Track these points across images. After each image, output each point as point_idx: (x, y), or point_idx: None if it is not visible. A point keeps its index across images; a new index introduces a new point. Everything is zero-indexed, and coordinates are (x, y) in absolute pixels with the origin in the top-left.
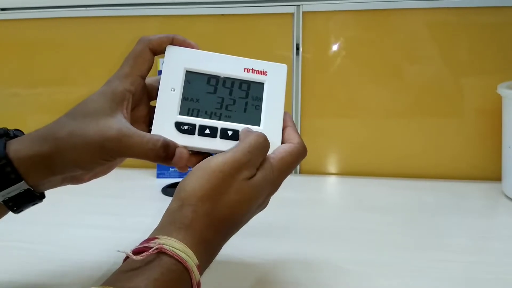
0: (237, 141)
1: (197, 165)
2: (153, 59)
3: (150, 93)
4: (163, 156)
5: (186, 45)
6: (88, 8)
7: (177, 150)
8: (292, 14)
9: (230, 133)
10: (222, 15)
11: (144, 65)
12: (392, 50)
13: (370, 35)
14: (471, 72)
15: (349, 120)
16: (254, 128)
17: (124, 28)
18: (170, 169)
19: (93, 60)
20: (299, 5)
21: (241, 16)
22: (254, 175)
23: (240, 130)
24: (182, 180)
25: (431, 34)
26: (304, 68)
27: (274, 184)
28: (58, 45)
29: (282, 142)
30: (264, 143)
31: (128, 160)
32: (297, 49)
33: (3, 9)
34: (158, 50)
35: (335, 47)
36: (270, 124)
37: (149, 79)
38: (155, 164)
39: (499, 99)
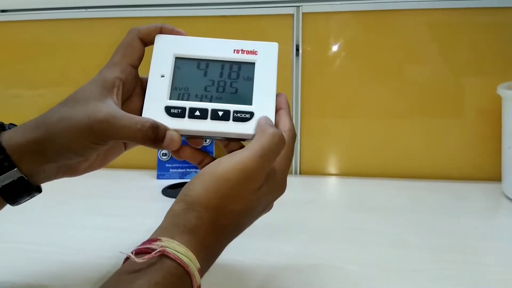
0: (229, 121)
1: (204, 168)
2: (143, 49)
3: (145, 87)
4: (153, 137)
5: (175, 33)
6: (88, 10)
7: (168, 133)
8: (292, 15)
9: (220, 113)
10: (223, 16)
11: (134, 54)
12: (392, 51)
13: (370, 36)
14: (471, 72)
15: (349, 120)
16: (246, 107)
17: (125, 29)
18: (171, 170)
19: (94, 61)
20: (299, 6)
21: (241, 17)
22: (262, 184)
23: (258, 118)
24: (188, 182)
25: (431, 34)
26: (304, 69)
27: (279, 189)
28: (59, 46)
29: (275, 125)
30: (279, 144)
31: (129, 161)
32: (297, 49)
33: (3, 11)
34: (147, 40)
35: (335, 48)
36: (262, 103)
37: (144, 76)
38: (155, 165)
39: (499, 99)
